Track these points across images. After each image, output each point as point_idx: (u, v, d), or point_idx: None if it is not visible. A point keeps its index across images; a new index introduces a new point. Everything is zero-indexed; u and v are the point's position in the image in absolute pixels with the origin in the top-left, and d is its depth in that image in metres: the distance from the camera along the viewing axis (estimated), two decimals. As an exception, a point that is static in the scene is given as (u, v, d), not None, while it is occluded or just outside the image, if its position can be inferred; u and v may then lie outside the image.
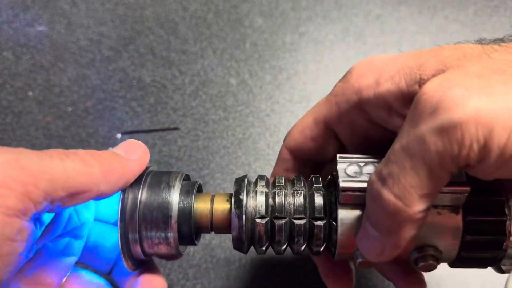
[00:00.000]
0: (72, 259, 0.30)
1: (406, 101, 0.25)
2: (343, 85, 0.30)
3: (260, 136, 0.48)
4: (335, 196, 0.27)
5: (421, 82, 0.24)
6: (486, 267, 0.28)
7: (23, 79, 0.50)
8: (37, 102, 0.49)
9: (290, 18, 0.54)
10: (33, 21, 0.54)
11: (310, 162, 0.33)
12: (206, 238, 0.43)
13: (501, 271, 0.28)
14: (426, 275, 0.42)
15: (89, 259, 0.31)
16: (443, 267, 0.41)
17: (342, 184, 0.26)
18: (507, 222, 0.25)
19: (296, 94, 0.50)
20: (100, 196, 0.25)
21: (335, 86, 0.31)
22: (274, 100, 0.50)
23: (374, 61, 0.28)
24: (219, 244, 0.43)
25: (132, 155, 0.27)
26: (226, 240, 0.43)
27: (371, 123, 0.28)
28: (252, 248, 0.29)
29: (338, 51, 0.52)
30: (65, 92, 0.50)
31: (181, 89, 0.50)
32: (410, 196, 0.22)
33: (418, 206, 0.22)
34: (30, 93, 0.49)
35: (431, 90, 0.22)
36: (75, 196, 0.23)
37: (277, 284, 0.41)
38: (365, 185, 0.25)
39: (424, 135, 0.21)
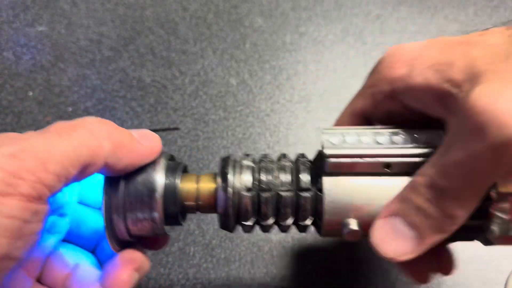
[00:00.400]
0: (57, 237, 0.30)
1: (436, 97, 0.26)
2: (375, 76, 0.30)
3: (260, 136, 0.48)
4: (321, 167, 0.27)
5: (452, 83, 0.25)
6: (473, 240, 0.28)
7: (23, 79, 0.50)
8: (37, 102, 0.49)
9: (290, 18, 0.54)
10: (33, 21, 0.54)
11: None
12: (206, 238, 0.43)
13: (488, 243, 0.28)
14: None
15: (73, 238, 0.32)
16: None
17: (326, 151, 0.26)
18: (491, 192, 0.25)
19: (296, 94, 0.50)
20: (105, 169, 0.25)
21: (367, 78, 0.32)
22: (274, 100, 0.50)
23: (404, 51, 0.28)
24: (219, 244, 0.43)
25: (144, 141, 0.27)
26: (226, 240, 0.43)
27: (406, 109, 0.29)
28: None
29: (338, 51, 0.53)
30: (65, 92, 0.50)
31: (181, 89, 0.50)
32: (459, 212, 0.24)
33: (462, 220, 0.24)
34: (30, 93, 0.50)
35: (480, 104, 0.22)
36: (85, 170, 0.24)
37: (277, 283, 0.41)
38: (349, 151, 0.26)
39: (479, 152, 0.22)
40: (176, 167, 0.28)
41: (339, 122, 0.33)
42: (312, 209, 0.27)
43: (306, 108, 0.50)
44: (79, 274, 0.30)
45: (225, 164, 0.28)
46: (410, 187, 0.26)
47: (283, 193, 0.27)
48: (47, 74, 0.51)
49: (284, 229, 0.29)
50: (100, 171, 0.26)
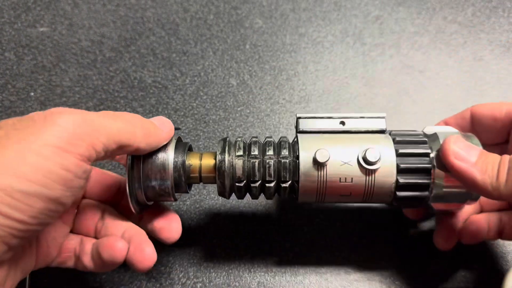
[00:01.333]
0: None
1: None
2: None
3: (260, 136, 0.48)
4: (296, 128, 0.36)
5: None
6: (418, 207, 0.36)
7: (25, 80, 0.51)
8: (39, 102, 0.49)
9: (290, 19, 0.55)
10: (35, 22, 0.54)
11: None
12: (207, 236, 0.43)
13: (432, 210, 0.35)
14: (423, 276, 0.42)
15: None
16: (442, 267, 0.42)
17: (298, 115, 0.36)
18: (432, 170, 0.33)
19: (296, 94, 0.50)
20: (137, 152, 0.32)
21: None
22: (274, 100, 0.50)
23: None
24: (219, 243, 0.43)
25: (164, 128, 0.33)
26: (226, 239, 0.43)
27: None
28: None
29: (337, 52, 0.53)
30: (66, 92, 0.50)
31: (182, 89, 0.50)
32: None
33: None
34: (32, 94, 0.50)
35: None
36: (122, 149, 0.30)
37: (277, 283, 0.41)
38: (313, 115, 0.36)
39: None
40: (183, 146, 0.35)
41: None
42: (291, 172, 0.34)
43: (305, 108, 0.50)
44: (107, 222, 0.36)
45: (223, 143, 0.35)
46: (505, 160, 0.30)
47: (268, 160, 0.34)
48: (48, 74, 0.51)
49: (269, 196, 0.35)
50: (130, 153, 0.32)
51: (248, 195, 0.36)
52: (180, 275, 0.42)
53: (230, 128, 0.49)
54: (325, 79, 0.51)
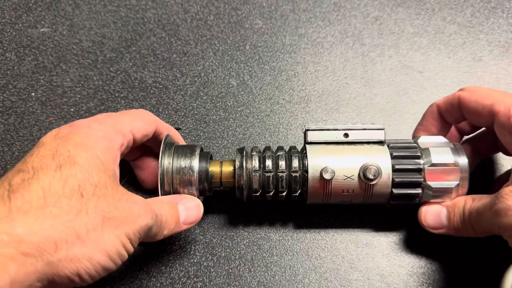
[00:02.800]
0: None
1: None
2: None
3: (260, 136, 0.48)
4: (305, 139, 0.40)
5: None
6: (412, 203, 0.39)
7: (26, 80, 0.51)
8: (40, 102, 0.50)
9: (290, 20, 0.55)
10: (36, 23, 0.54)
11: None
12: (207, 236, 0.43)
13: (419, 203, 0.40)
14: (421, 276, 0.42)
15: None
16: (442, 266, 0.42)
17: (306, 127, 0.40)
18: (422, 172, 0.38)
19: (296, 95, 0.51)
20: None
21: None
22: (273, 101, 0.50)
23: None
24: (219, 243, 0.43)
25: (186, 222, 0.38)
26: (226, 238, 0.43)
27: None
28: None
29: (336, 52, 0.53)
30: (67, 93, 0.50)
31: (182, 90, 0.51)
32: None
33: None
34: (33, 94, 0.50)
35: None
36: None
37: (276, 282, 0.42)
38: (320, 127, 0.40)
39: None
40: (206, 155, 0.40)
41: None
42: (300, 184, 0.39)
43: (305, 108, 0.50)
44: None
45: (241, 153, 0.40)
46: (457, 204, 0.38)
47: (280, 174, 0.39)
48: (49, 75, 0.51)
49: (280, 199, 0.40)
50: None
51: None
52: (181, 275, 0.42)
53: (230, 128, 0.49)
54: (324, 79, 0.51)
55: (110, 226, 0.28)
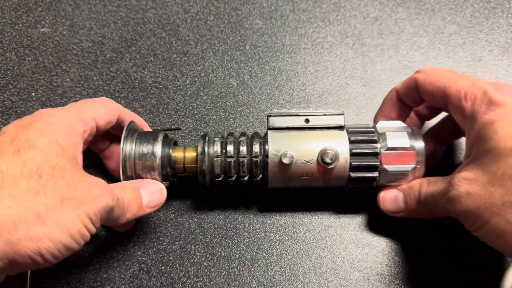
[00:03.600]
0: None
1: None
2: None
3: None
4: (267, 125, 0.41)
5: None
6: (371, 186, 0.40)
7: (26, 80, 0.51)
8: (40, 102, 0.50)
9: (290, 20, 0.55)
10: (36, 23, 0.54)
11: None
12: (207, 236, 0.43)
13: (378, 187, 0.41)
14: (422, 276, 0.42)
15: None
16: (441, 266, 0.42)
17: (268, 113, 0.41)
18: (378, 156, 0.39)
19: (295, 95, 0.51)
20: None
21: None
22: (273, 101, 0.50)
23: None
24: (219, 243, 0.43)
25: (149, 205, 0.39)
26: (226, 238, 0.43)
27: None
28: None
29: (336, 52, 0.53)
30: (67, 93, 0.50)
31: (182, 90, 0.51)
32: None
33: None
34: (33, 94, 0.50)
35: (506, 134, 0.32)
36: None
37: (276, 282, 0.42)
38: (283, 112, 0.41)
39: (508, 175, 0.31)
40: (169, 141, 0.41)
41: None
42: (261, 168, 0.40)
43: (305, 109, 0.50)
44: None
45: (203, 139, 0.41)
46: (412, 188, 0.39)
47: (241, 159, 0.40)
48: (49, 75, 0.51)
49: (243, 184, 0.41)
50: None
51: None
52: (181, 274, 0.42)
53: (230, 128, 0.49)
54: (324, 79, 0.51)
55: (70, 206, 0.29)
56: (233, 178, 0.40)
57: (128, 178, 0.39)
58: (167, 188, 0.40)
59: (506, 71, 0.52)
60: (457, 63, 0.52)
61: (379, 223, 0.44)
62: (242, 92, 0.51)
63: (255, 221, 0.44)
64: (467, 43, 0.53)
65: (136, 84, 0.51)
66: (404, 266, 0.42)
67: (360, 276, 0.42)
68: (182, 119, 0.49)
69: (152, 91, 0.50)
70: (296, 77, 0.52)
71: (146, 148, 0.39)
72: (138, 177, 0.39)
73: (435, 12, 0.55)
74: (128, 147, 0.39)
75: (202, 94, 0.50)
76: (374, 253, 0.43)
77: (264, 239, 0.43)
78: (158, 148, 0.39)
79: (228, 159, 0.40)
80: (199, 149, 0.40)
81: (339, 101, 0.50)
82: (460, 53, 0.53)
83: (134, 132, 0.40)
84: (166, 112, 0.49)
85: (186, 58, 0.52)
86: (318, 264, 0.42)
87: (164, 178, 0.40)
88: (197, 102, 0.50)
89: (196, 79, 0.51)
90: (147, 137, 0.40)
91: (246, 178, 0.40)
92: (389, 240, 0.43)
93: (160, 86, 0.51)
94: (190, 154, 0.41)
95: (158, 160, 0.39)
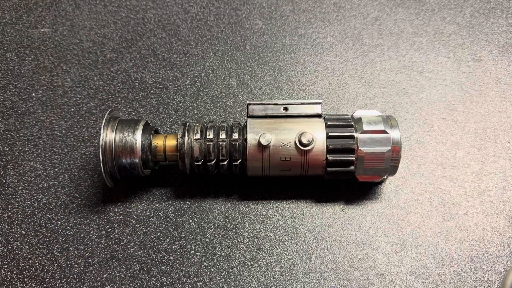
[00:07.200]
0: None
1: None
2: None
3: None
4: (247, 113, 0.42)
5: None
6: (349, 171, 0.41)
7: (26, 80, 0.51)
8: (41, 102, 0.50)
9: (290, 20, 0.55)
10: (36, 23, 0.54)
11: None
12: (207, 236, 0.44)
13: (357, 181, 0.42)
14: (421, 275, 0.42)
15: None
16: (438, 267, 0.42)
17: (248, 102, 0.42)
18: (354, 139, 0.40)
19: (295, 95, 0.51)
20: None
21: None
22: (273, 101, 0.50)
23: None
24: (219, 242, 0.43)
25: None
26: (226, 238, 0.43)
27: None
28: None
29: (336, 52, 0.53)
30: (68, 93, 0.50)
31: (182, 90, 0.51)
32: None
33: None
34: (34, 94, 0.50)
35: None
36: None
37: (276, 282, 0.42)
38: (262, 101, 0.42)
39: None
40: (150, 129, 0.42)
41: None
42: (240, 152, 0.41)
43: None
44: None
45: (184, 127, 0.42)
46: None
47: (221, 142, 0.41)
48: (50, 75, 0.51)
49: (222, 169, 0.41)
50: None
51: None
52: (181, 274, 0.42)
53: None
54: (324, 79, 0.52)
55: None
56: (213, 162, 0.41)
57: (107, 162, 0.40)
58: (149, 176, 0.41)
59: (506, 71, 0.52)
60: (456, 63, 0.52)
61: (379, 223, 0.44)
62: (242, 92, 0.51)
63: (255, 221, 0.44)
64: (466, 43, 0.53)
65: (137, 84, 0.51)
66: (404, 266, 0.42)
67: (360, 276, 0.42)
68: (183, 119, 0.49)
69: (152, 91, 0.51)
70: (296, 77, 0.52)
71: (127, 133, 0.41)
72: (118, 161, 0.41)
73: (435, 12, 0.55)
74: (109, 132, 0.41)
75: (202, 94, 0.51)
76: (374, 253, 0.43)
77: (264, 239, 0.44)
78: (138, 133, 0.41)
79: (208, 143, 0.41)
80: (179, 133, 0.41)
81: (339, 101, 0.50)
82: (460, 53, 0.53)
83: (116, 119, 0.42)
84: (166, 112, 0.49)
85: (186, 58, 0.52)
86: (318, 264, 0.42)
87: (144, 164, 0.41)
88: (197, 102, 0.50)
89: (196, 79, 0.51)
90: (129, 123, 0.42)
91: (225, 163, 0.41)
92: (389, 240, 0.43)
93: (160, 86, 0.51)
94: (171, 142, 0.42)
95: (138, 145, 0.40)
